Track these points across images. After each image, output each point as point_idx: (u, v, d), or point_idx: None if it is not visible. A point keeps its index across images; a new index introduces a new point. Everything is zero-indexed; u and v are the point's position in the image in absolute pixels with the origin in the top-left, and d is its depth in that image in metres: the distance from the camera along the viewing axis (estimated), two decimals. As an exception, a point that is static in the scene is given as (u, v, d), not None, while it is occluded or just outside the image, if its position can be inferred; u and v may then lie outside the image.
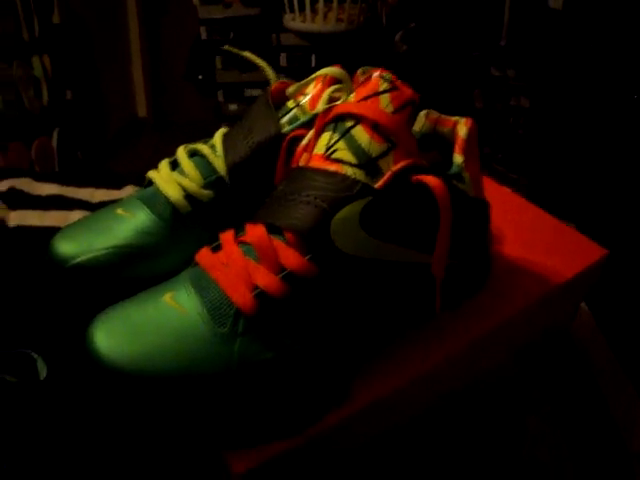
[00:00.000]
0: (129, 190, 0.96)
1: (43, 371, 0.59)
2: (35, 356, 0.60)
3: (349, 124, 0.46)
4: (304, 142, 0.51)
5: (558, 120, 1.99)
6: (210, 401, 0.42)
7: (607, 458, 0.58)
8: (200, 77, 2.46)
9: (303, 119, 0.56)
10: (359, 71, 0.58)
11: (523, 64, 2.19)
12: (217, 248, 0.47)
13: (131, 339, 0.42)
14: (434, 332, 0.53)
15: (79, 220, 0.59)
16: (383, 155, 0.45)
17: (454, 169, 0.50)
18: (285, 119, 0.57)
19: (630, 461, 0.58)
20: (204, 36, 2.30)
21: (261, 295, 0.43)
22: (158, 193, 0.57)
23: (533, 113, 2.16)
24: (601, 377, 0.66)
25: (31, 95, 2.32)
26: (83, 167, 2.56)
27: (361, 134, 0.45)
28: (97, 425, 0.54)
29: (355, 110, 0.45)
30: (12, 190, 0.93)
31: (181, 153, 0.59)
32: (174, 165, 0.60)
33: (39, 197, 0.94)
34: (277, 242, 0.44)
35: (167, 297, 0.45)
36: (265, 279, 0.43)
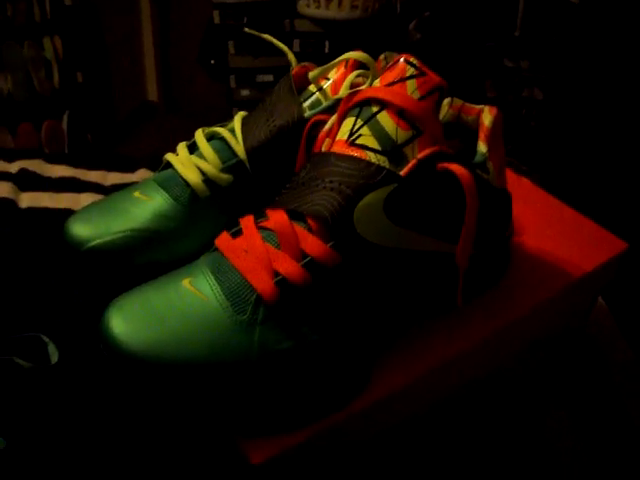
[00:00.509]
0: (142, 173, 0.96)
1: (54, 355, 0.58)
2: (46, 340, 0.59)
3: (374, 109, 0.45)
4: (327, 127, 0.50)
5: (571, 113, 1.98)
6: (229, 390, 0.41)
7: (623, 456, 0.58)
8: (212, 62, 2.45)
9: (325, 104, 0.55)
10: (381, 56, 0.57)
11: (537, 56, 2.18)
12: (237, 233, 0.46)
13: (148, 325, 0.41)
14: (453, 322, 0.52)
15: (94, 202, 0.58)
16: (408, 142, 0.44)
17: (478, 158, 0.50)
18: (307, 103, 0.57)
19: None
20: (217, 20, 2.28)
21: (282, 282, 0.42)
22: (176, 176, 0.56)
23: (546, 105, 2.15)
24: (618, 374, 0.66)
25: (42, 76, 2.32)
26: (93, 150, 2.55)
27: (386, 120, 0.44)
28: (109, 412, 0.54)
29: (382, 95, 0.44)
30: (23, 171, 0.93)
31: (199, 136, 0.58)
32: (192, 148, 0.59)
33: (50, 179, 0.93)
34: (299, 228, 0.43)
35: (186, 282, 0.44)
36: (287, 266, 0.42)
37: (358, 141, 0.45)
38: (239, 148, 0.55)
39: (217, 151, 0.56)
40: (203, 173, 0.55)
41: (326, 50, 2.14)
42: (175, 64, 3.05)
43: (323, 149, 0.48)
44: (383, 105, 0.45)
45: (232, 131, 0.57)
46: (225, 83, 2.39)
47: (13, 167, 0.93)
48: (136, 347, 0.40)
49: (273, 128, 0.55)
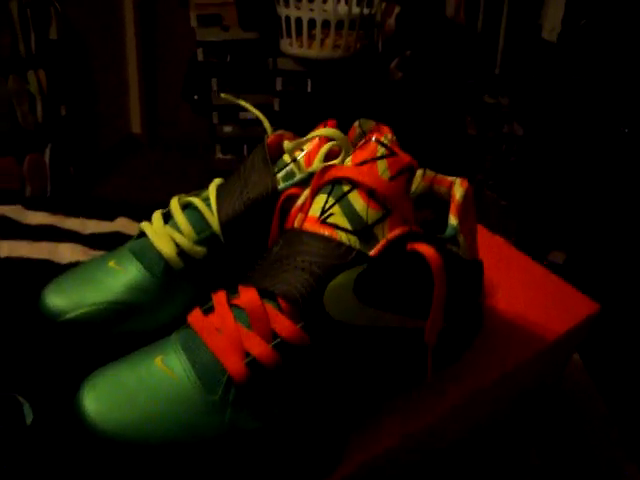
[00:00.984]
0: (122, 222, 0.96)
1: (29, 416, 0.58)
2: (22, 401, 0.59)
3: (345, 189, 0.46)
4: (299, 202, 0.50)
5: (550, 149, 2.00)
6: (200, 469, 0.41)
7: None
8: (196, 97, 2.46)
9: (299, 176, 0.55)
10: (355, 124, 0.58)
11: (516, 93, 2.21)
12: (209, 310, 0.47)
13: (120, 405, 0.42)
14: (423, 392, 0.53)
15: (70, 271, 0.59)
16: (379, 222, 0.45)
17: (449, 232, 0.50)
18: (281, 174, 0.57)
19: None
20: (201, 57, 2.30)
21: (253, 363, 0.42)
22: (150, 247, 0.57)
23: (526, 141, 2.17)
24: (592, 430, 0.66)
25: (25, 110, 2.32)
26: (75, 184, 2.55)
27: (357, 200, 0.45)
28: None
29: (352, 175, 0.45)
30: (2, 218, 0.92)
31: (174, 205, 0.58)
32: (167, 216, 0.59)
33: (29, 226, 0.93)
34: (270, 308, 0.44)
35: (158, 360, 0.44)
36: (258, 347, 0.42)
37: (329, 220, 0.45)
38: (213, 220, 0.56)
39: (192, 222, 0.57)
40: (177, 245, 0.56)
41: (308, 89, 2.16)
42: (160, 98, 3.06)
43: (296, 224, 0.49)
44: (354, 185, 0.45)
45: (207, 200, 0.58)
46: (209, 119, 2.41)
47: (-7, 213, 0.93)
48: (107, 427, 0.41)
49: (247, 200, 0.55)
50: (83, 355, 0.52)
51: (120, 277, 0.55)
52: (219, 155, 2.41)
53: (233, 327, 0.44)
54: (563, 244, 1.88)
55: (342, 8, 2.05)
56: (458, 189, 0.52)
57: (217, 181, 0.60)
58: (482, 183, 2.35)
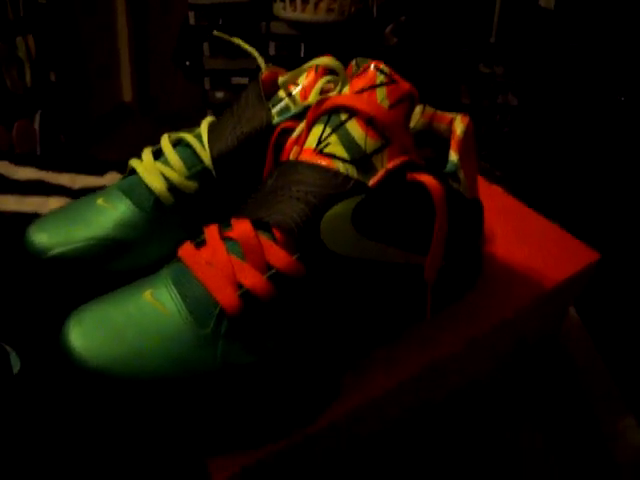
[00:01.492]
0: (112, 177, 0.94)
1: (16, 365, 0.57)
2: (9, 349, 0.58)
3: (343, 117, 0.44)
4: (295, 134, 0.49)
5: (545, 118, 1.99)
6: (192, 405, 0.40)
7: (594, 468, 0.57)
8: (187, 63, 2.43)
9: (294, 110, 0.54)
10: (353, 62, 0.56)
11: (512, 62, 2.19)
12: (201, 243, 0.45)
13: (109, 340, 0.40)
14: (423, 334, 0.51)
15: (57, 209, 0.57)
16: (377, 151, 0.43)
17: (450, 167, 0.49)
18: (276, 109, 0.55)
19: (616, 471, 0.57)
20: (192, 21, 2.26)
21: (246, 295, 0.41)
22: (140, 183, 0.55)
23: (520, 111, 2.16)
24: (588, 385, 0.65)
25: (14, 76, 2.28)
26: (65, 151, 2.52)
27: (355, 128, 0.43)
28: (71, 423, 0.52)
29: (350, 103, 0.43)
30: (-10, 174, 0.91)
31: (165, 142, 0.56)
32: (157, 154, 0.57)
33: (18, 181, 0.91)
34: (264, 239, 0.42)
35: (147, 295, 0.42)
36: (251, 279, 0.41)
37: (326, 150, 0.43)
38: (205, 155, 0.54)
39: (183, 158, 0.55)
40: (168, 180, 0.54)
41: (302, 53, 2.13)
42: (151, 64, 3.03)
43: (291, 157, 0.47)
44: (352, 113, 0.44)
45: (199, 137, 0.56)
46: (200, 84, 2.38)
47: (-20, 170, 0.91)
48: (95, 363, 0.39)
49: (240, 135, 0.53)
50: (70, 294, 0.51)
51: (109, 214, 0.54)
52: (211, 121, 2.38)
53: (225, 259, 0.42)
54: (557, 213, 1.87)
55: (336, -30, 2.03)
56: (459, 125, 0.50)
57: (209, 119, 0.58)
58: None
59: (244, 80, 2.20)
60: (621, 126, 1.72)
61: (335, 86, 0.55)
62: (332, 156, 0.43)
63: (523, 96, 2.15)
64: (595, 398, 0.64)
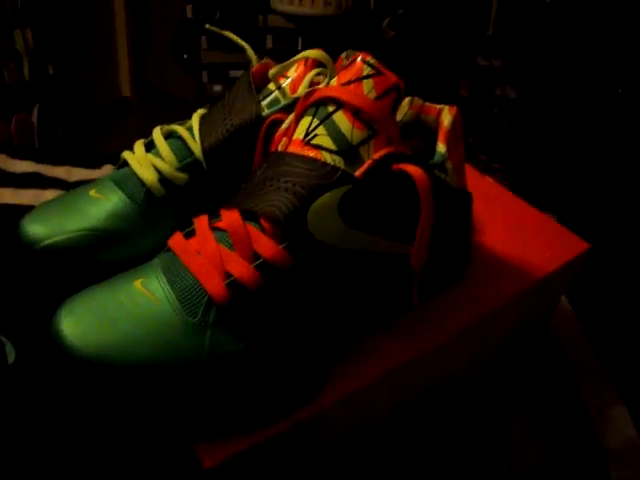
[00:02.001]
0: (108, 169, 0.95)
1: (11, 355, 0.57)
2: (4, 340, 0.58)
3: (330, 109, 0.44)
4: (284, 126, 0.49)
5: (543, 111, 1.99)
6: (180, 392, 0.41)
7: (583, 457, 0.58)
8: (185, 56, 2.43)
9: (284, 102, 0.54)
10: (343, 55, 0.57)
11: (510, 54, 2.19)
12: (190, 234, 0.46)
13: (99, 328, 0.41)
14: (411, 324, 0.52)
15: (50, 201, 0.57)
16: (364, 142, 0.44)
17: (437, 158, 0.49)
18: (266, 102, 0.56)
19: (604, 456, 0.58)
20: (190, 15, 2.27)
21: (234, 284, 0.41)
22: (132, 175, 0.56)
23: (519, 103, 2.16)
24: (579, 373, 0.66)
25: (12, 69, 2.29)
26: (63, 144, 2.53)
27: (342, 120, 0.44)
28: (65, 412, 0.53)
29: (337, 94, 0.44)
30: (-14, 167, 0.92)
31: (157, 134, 0.57)
32: (149, 146, 0.58)
33: (14, 174, 0.92)
34: (252, 229, 0.43)
35: (137, 283, 0.43)
36: (239, 268, 0.41)
37: (314, 141, 0.44)
38: (196, 147, 0.55)
39: (174, 150, 0.56)
40: (159, 172, 0.55)
41: (299, 47, 2.14)
42: (149, 59, 3.03)
43: (280, 148, 0.48)
44: (339, 105, 0.44)
45: (190, 130, 0.57)
46: (198, 77, 2.38)
47: (-23, 163, 0.92)
48: (86, 350, 0.40)
49: (230, 127, 0.54)
50: (63, 284, 0.51)
51: (101, 205, 0.54)
52: (209, 114, 2.39)
53: (214, 248, 0.43)
54: (555, 206, 1.88)
55: (334, -36, 2.03)
56: (446, 116, 0.51)
57: (200, 111, 0.59)
58: (474, 146, 2.34)
59: (241, 73, 2.20)
60: (618, 118, 1.73)
61: (324, 79, 0.55)
62: (319, 147, 0.44)
63: (521, 89, 2.15)
64: (584, 386, 0.64)
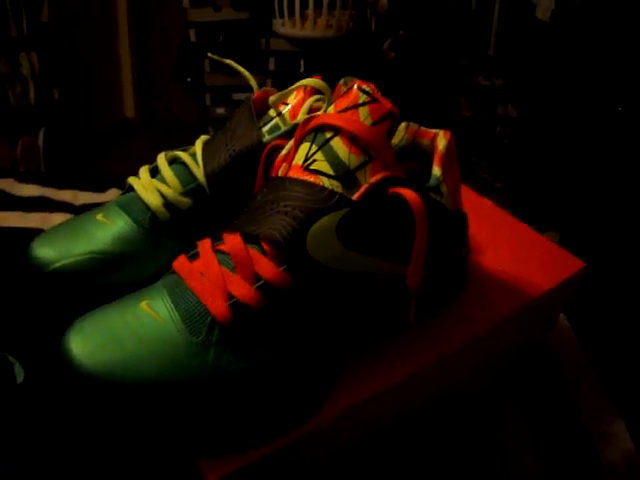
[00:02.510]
0: (113, 193, 0.96)
1: (20, 375, 0.59)
2: (13, 360, 0.60)
3: (328, 135, 0.46)
4: (284, 152, 0.51)
5: (544, 130, 2.00)
6: (184, 410, 0.42)
7: (581, 467, 0.59)
8: (188, 79, 2.46)
9: (284, 129, 0.56)
10: (341, 81, 0.58)
11: (510, 74, 2.21)
12: (194, 256, 0.47)
13: (106, 346, 0.42)
14: (408, 342, 0.53)
15: (59, 225, 0.59)
16: (361, 167, 0.45)
17: (432, 181, 0.51)
18: (266, 128, 0.58)
19: (603, 472, 0.58)
20: (193, 38, 2.30)
21: (236, 305, 0.43)
22: (137, 200, 0.58)
23: (520, 123, 2.17)
24: (577, 389, 0.67)
25: (18, 93, 2.31)
26: (69, 167, 2.55)
27: (339, 146, 0.46)
28: (73, 431, 0.54)
29: (334, 121, 0.46)
30: (-6, 191, 0.93)
31: (161, 160, 0.59)
32: (154, 172, 0.60)
33: (20, 198, 0.94)
34: (253, 252, 0.44)
35: (143, 304, 0.45)
36: (241, 289, 0.43)
37: (312, 166, 0.46)
38: (199, 172, 0.57)
39: (178, 175, 0.58)
40: (164, 197, 0.57)
41: (301, 69, 2.16)
42: (153, 81, 3.05)
43: (280, 173, 0.49)
44: (336, 131, 0.46)
45: (193, 156, 0.58)
46: (201, 100, 2.40)
47: (-15, 186, 0.94)
48: (93, 368, 0.41)
49: (232, 153, 0.56)
50: (71, 306, 0.53)
51: (107, 229, 0.56)
52: (212, 137, 2.40)
53: (217, 271, 0.44)
54: (557, 224, 1.88)
55: (334, -13, 2.05)
56: (441, 140, 0.52)
57: (203, 137, 0.61)
58: (476, 165, 2.35)
59: (244, 96, 2.22)
60: (619, 136, 1.74)
61: (323, 104, 0.57)
62: (318, 172, 0.45)
63: (523, 108, 2.16)
64: (584, 402, 0.65)
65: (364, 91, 0.47)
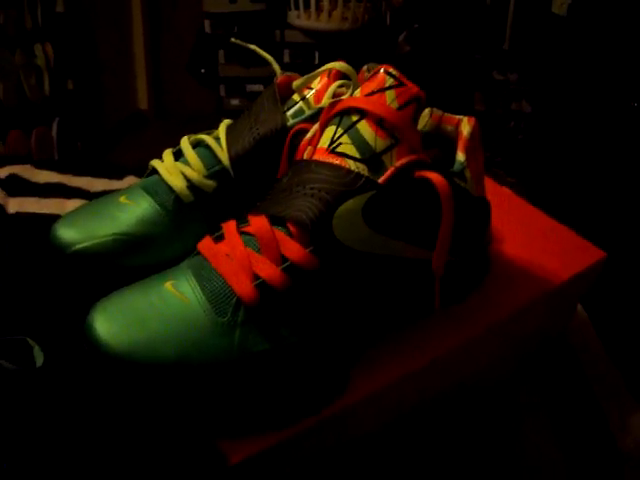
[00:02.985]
0: (130, 180, 0.97)
1: (40, 358, 0.59)
2: (32, 343, 0.60)
3: (354, 118, 0.46)
4: (308, 135, 0.51)
5: (558, 125, 2.00)
6: (209, 390, 0.42)
7: (599, 459, 0.59)
8: (202, 70, 2.46)
9: (308, 113, 0.56)
10: (364, 67, 0.59)
11: (525, 69, 2.20)
12: (219, 238, 0.47)
13: (131, 326, 0.42)
14: (431, 328, 0.53)
15: (81, 206, 0.59)
16: (387, 150, 0.45)
17: (456, 167, 0.51)
18: (290, 112, 0.58)
19: (621, 461, 0.58)
20: (208, 29, 2.30)
21: (262, 285, 0.43)
22: (161, 182, 0.58)
23: (534, 118, 2.16)
24: (595, 380, 0.67)
25: (32, 84, 2.32)
26: (83, 157, 2.55)
27: (366, 129, 0.46)
28: (94, 413, 0.54)
29: (361, 104, 0.46)
30: (12, 177, 0.93)
31: (185, 143, 0.59)
32: (177, 155, 0.60)
33: (37, 184, 0.94)
34: (279, 233, 0.44)
35: (168, 285, 0.45)
36: (267, 270, 0.43)
37: (338, 149, 0.46)
38: (223, 155, 0.57)
39: (202, 158, 0.58)
40: (188, 179, 0.57)
41: (316, 61, 2.16)
42: (166, 73, 3.06)
43: (305, 157, 0.49)
44: (362, 114, 0.46)
45: (217, 139, 0.58)
46: (215, 91, 2.41)
47: (2, 172, 0.94)
48: (118, 347, 0.41)
49: (257, 136, 0.56)
50: (93, 288, 0.53)
51: (131, 211, 0.56)
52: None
53: (243, 252, 0.44)
54: (571, 220, 1.87)
55: (350, -21, 2.05)
56: (465, 126, 0.52)
57: (227, 121, 0.61)
58: (490, 160, 2.34)
59: (258, 87, 2.23)
60: (634, 132, 1.73)
61: (347, 90, 0.57)
62: (344, 155, 0.45)
63: (537, 103, 2.15)
64: (601, 392, 0.65)
65: (391, 74, 0.47)
